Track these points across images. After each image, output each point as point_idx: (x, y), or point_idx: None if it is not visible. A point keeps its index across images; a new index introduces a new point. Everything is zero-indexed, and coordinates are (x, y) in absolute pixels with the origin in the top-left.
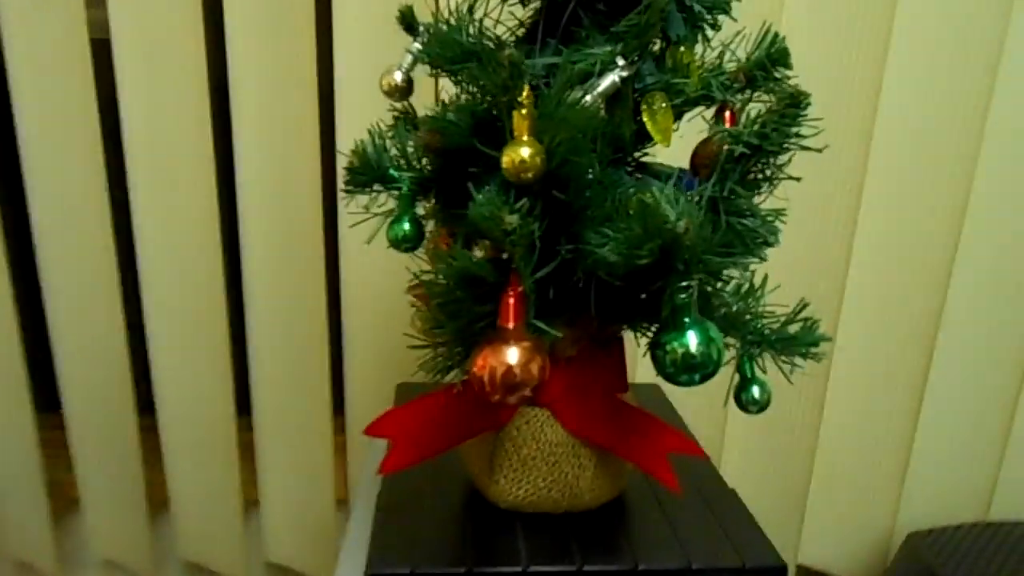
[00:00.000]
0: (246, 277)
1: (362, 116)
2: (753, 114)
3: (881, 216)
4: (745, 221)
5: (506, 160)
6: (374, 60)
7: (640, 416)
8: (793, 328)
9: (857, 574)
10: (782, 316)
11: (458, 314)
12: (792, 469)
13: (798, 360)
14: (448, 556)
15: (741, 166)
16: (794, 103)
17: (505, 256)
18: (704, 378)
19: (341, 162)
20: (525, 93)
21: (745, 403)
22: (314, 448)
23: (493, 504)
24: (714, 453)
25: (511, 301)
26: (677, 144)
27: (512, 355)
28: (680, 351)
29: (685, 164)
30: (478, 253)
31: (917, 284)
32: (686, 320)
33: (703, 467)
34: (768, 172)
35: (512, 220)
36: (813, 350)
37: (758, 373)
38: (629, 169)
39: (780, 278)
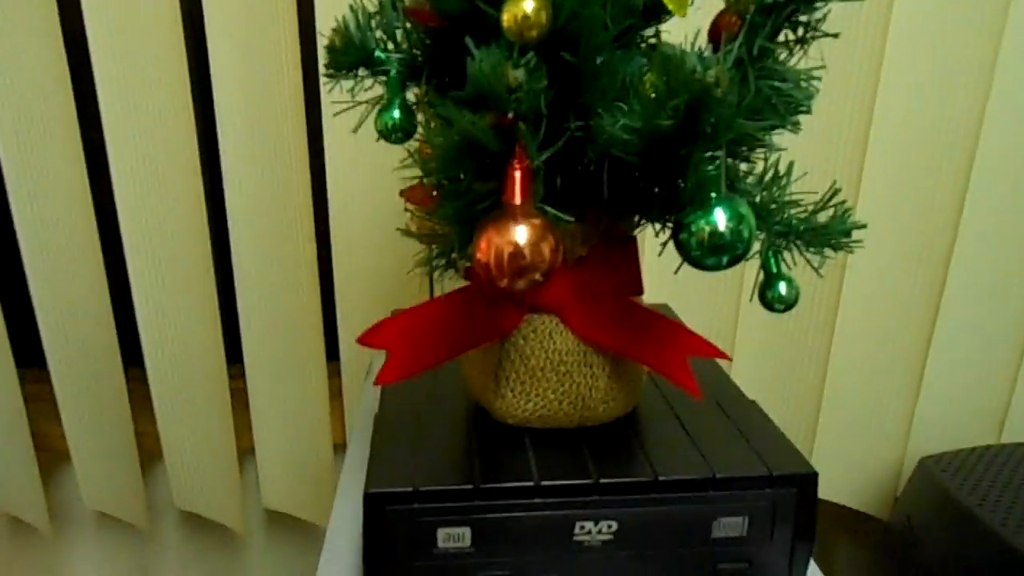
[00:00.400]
0: (231, 219)
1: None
2: None
3: (893, 132)
4: (777, 83)
5: (507, 17)
6: None
7: (656, 319)
8: (823, 217)
9: (869, 502)
10: (810, 205)
11: (458, 193)
12: (801, 396)
13: (828, 252)
14: (453, 473)
15: (772, 19)
16: None
17: (510, 117)
18: (733, 260)
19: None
20: None
21: (771, 301)
22: (309, 393)
23: (500, 420)
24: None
25: (517, 175)
26: (693, 18)
27: (520, 233)
28: (707, 229)
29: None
30: None
31: (931, 202)
32: (713, 196)
33: (720, 378)
34: (801, 29)
35: (518, 75)
36: (845, 239)
37: (784, 268)
38: (640, 48)
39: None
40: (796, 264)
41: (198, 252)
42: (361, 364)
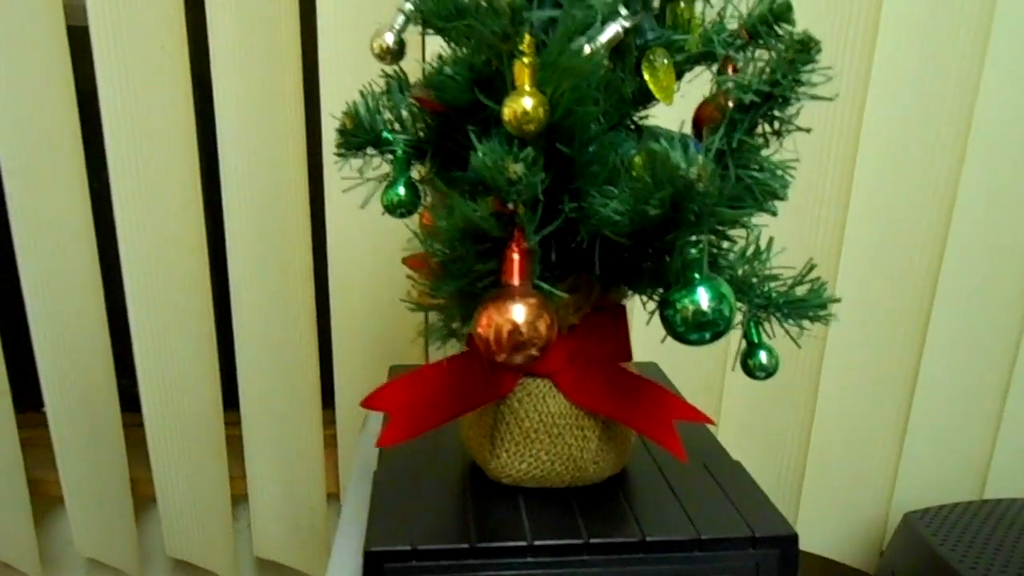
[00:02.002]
0: (231, 267)
1: (346, 93)
2: (759, 66)
3: (873, 195)
4: (755, 173)
5: (507, 112)
6: (356, 37)
7: (644, 384)
8: (801, 290)
9: (856, 556)
10: (789, 279)
11: (460, 273)
12: (787, 453)
13: (805, 323)
14: (450, 532)
15: (750, 116)
16: (804, 49)
17: (509, 207)
18: (715, 336)
19: (328, 155)
20: (527, 41)
21: (752, 369)
22: (303, 442)
23: (495, 480)
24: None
25: (516, 257)
26: (678, 105)
27: (518, 312)
28: (691, 308)
29: (685, 131)
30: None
31: (909, 265)
32: (696, 276)
33: (706, 439)
34: (777, 124)
35: (517, 169)
36: (821, 312)
37: (765, 338)
38: (630, 131)
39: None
40: (775, 335)
41: (198, 300)
42: (355, 413)
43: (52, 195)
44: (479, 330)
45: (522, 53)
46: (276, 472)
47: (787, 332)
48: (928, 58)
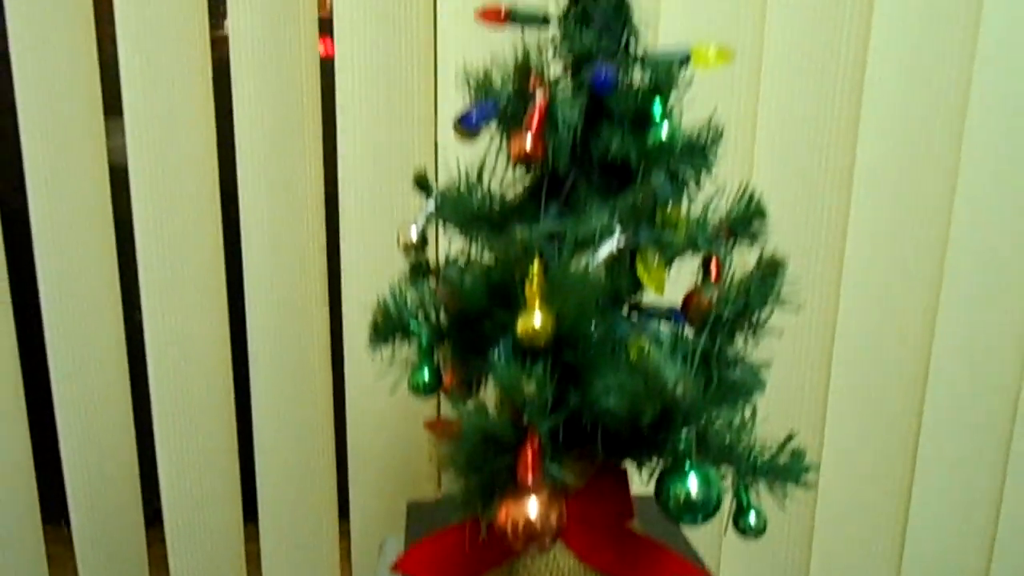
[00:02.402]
0: (254, 386)
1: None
2: (737, 275)
3: (866, 282)
4: (733, 373)
5: (520, 328)
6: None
7: (647, 543)
8: (782, 459)
9: None
10: (772, 446)
11: (480, 468)
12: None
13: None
14: None
15: (728, 325)
16: (772, 271)
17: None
18: (706, 518)
19: (349, 315)
20: (536, 268)
21: (743, 529)
22: (320, 557)
23: None
24: (712, 561)
25: (529, 457)
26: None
27: (532, 508)
28: (683, 494)
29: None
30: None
31: (899, 380)
32: (687, 465)
33: None
34: (752, 329)
35: (530, 389)
36: (802, 477)
37: (754, 500)
38: (626, 312)
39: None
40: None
41: (222, 416)
42: (371, 528)
43: (85, 311)
44: (499, 522)
45: (531, 278)
46: None
47: (772, 496)
48: (918, 86)
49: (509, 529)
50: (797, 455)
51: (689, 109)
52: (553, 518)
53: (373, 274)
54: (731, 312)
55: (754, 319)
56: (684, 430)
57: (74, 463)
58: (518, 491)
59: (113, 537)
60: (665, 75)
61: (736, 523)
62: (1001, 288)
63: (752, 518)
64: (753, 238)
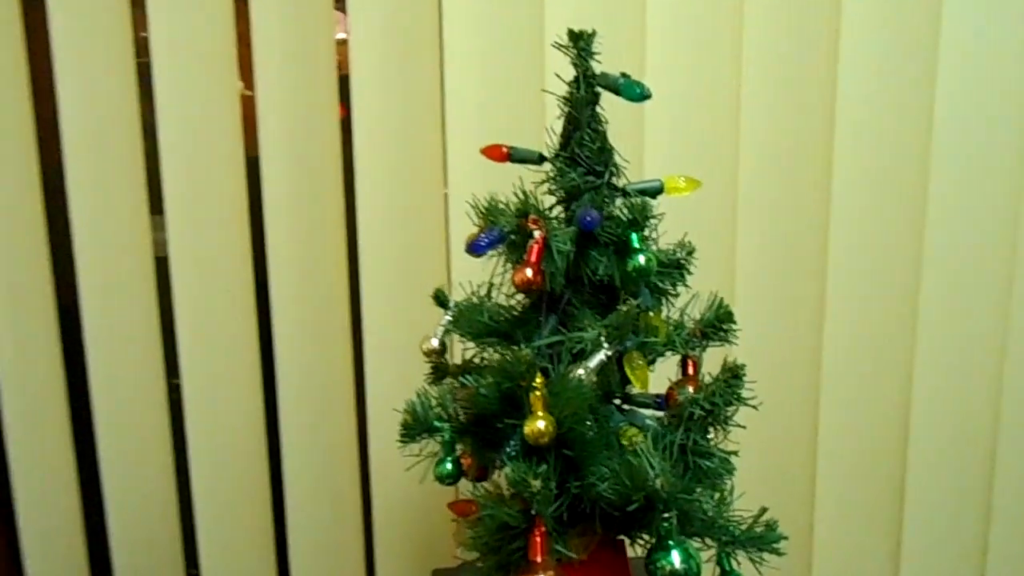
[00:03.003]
0: (286, 465)
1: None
2: (707, 379)
3: (848, 306)
4: (706, 462)
5: (527, 431)
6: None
7: None
8: (758, 528)
9: None
10: (749, 518)
11: (496, 550)
12: None
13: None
14: None
15: (698, 423)
16: (735, 375)
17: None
18: None
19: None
20: (538, 380)
21: None
22: None
23: None
24: None
25: (538, 540)
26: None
27: None
28: (668, 567)
29: None
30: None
31: (881, 432)
32: (670, 543)
33: None
34: (720, 424)
35: (536, 485)
36: (776, 546)
37: (735, 566)
38: (617, 402)
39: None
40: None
41: (257, 496)
42: None
43: (131, 385)
44: None
45: (535, 388)
46: None
47: (752, 563)
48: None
49: None
50: (770, 526)
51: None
52: None
53: (396, 361)
54: (701, 412)
55: (721, 416)
56: (666, 514)
57: (120, 540)
58: (528, 570)
59: None
60: (640, 212)
61: None
62: (979, 319)
63: None
64: (723, 338)
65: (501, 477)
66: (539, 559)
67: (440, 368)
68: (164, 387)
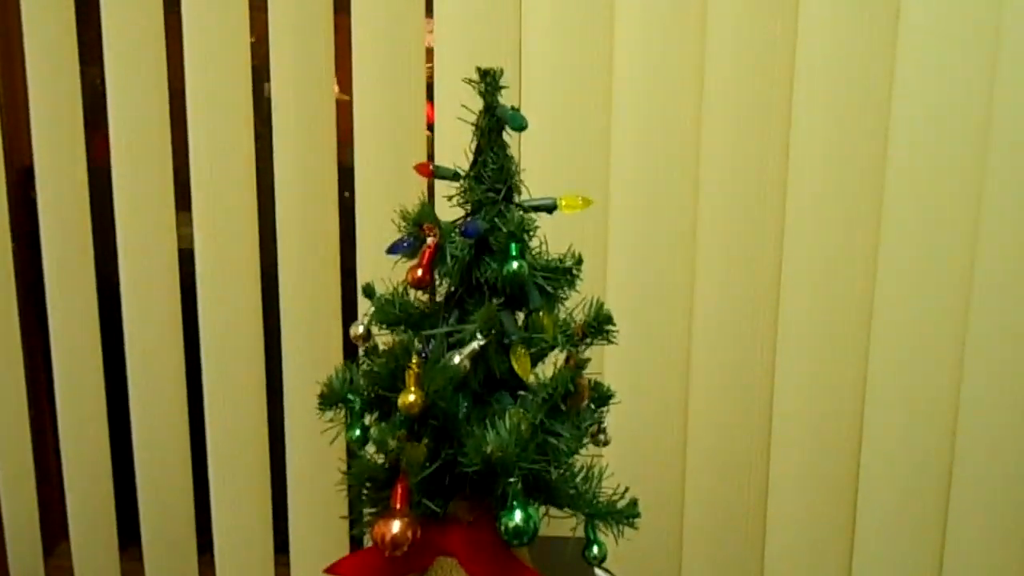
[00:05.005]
0: (289, 445)
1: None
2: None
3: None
4: (551, 439)
5: (400, 402)
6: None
7: (520, 566)
8: (621, 504)
9: None
10: (613, 494)
11: (369, 499)
12: None
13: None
14: None
15: (545, 405)
16: (579, 366)
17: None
18: (529, 540)
19: None
20: (414, 360)
21: (588, 558)
22: None
23: None
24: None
25: (398, 491)
26: None
27: (395, 526)
28: (511, 524)
29: None
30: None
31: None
32: (515, 503)
33: None
34: (569, 405)
35: (392, 443)
36: (632, 520)
37: (598, 535)
38: (512, 389)
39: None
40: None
41: (262, 474)
42: None
43: (161, 380)
44: (372, 534)
45: (410, 367)
46: None
47: (611, 533)
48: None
49: (378, 539)
50: (631, 503)
51: None
52: (409, 533)
53: None
54: (546, 394)
55: (573, 401)
56: (511, 479)
57: (147, 501)
58: (388, 513)
59: (174, 558)
60: (518, 225)
61: (583, 554)
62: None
63: (595, 549)
64: (605, 338)
65: None
66: (397, 506)
67: (368, 352)
68: (183, 370)
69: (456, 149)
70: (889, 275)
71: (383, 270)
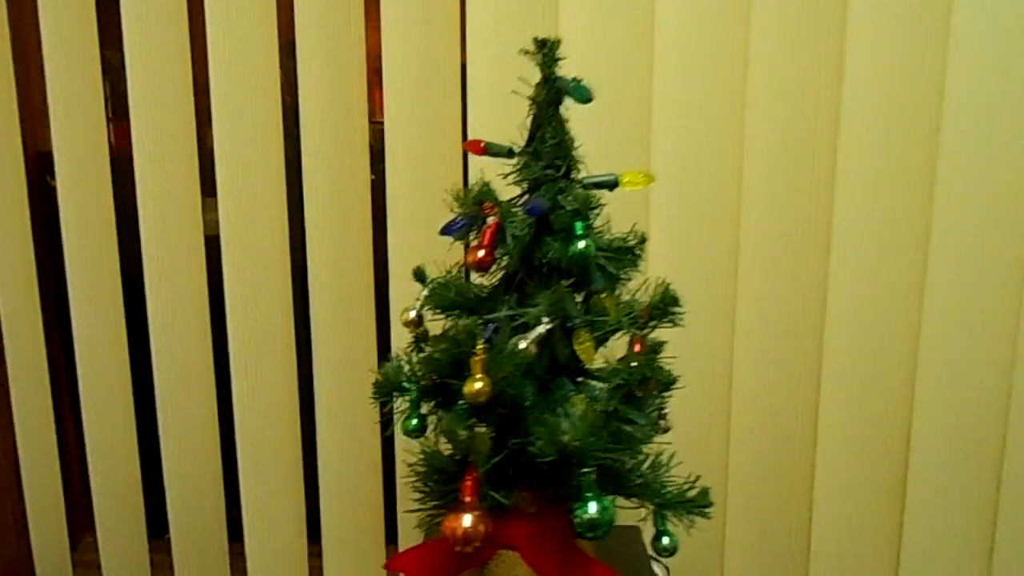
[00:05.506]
0: (320, 429)
1: None
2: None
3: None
4: (626, 427)
5: (465, 390)
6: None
7: (585, 558)
8: (691, 493)
9: None
10: (684, 483)
11: (436, 492)
12: None
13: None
14: None
15: (620, 392)
16: (655, 351)
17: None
18: (605, 534)
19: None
20: (479, 346)
21: (658, 549)
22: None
23: None
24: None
25: (468, 483)
26: None
27: (466, 520)
28: (585, 516)
29: None
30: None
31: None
32: (589, 495)
33: None
34: (648, 394)
35: (463, 434)
36: (705, 510)
37: (668, 526)
38: (572, 375)
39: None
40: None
41: (293, 459)
42: None
43: (187, 366)
44: (443, 529)
45: (475, 354)
46: None
47: (681, 524)
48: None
49: (449, 534)
50: (702, 492)
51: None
52: (481, 528)
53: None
54: (627, 382)
55: (641, 386)
56: (585, 469)
57: (175, 491)
58: (458, 507)
59: (203, 548)
60: (583, 203)
61: (654, 545)
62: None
63: (666, 540)
64: (671, 321)
65: None
66: (468, 499)
67: (419, 338)
68: (211, 359)
69: (490, 130)
70: (939, 271)
71: (415, 255)
